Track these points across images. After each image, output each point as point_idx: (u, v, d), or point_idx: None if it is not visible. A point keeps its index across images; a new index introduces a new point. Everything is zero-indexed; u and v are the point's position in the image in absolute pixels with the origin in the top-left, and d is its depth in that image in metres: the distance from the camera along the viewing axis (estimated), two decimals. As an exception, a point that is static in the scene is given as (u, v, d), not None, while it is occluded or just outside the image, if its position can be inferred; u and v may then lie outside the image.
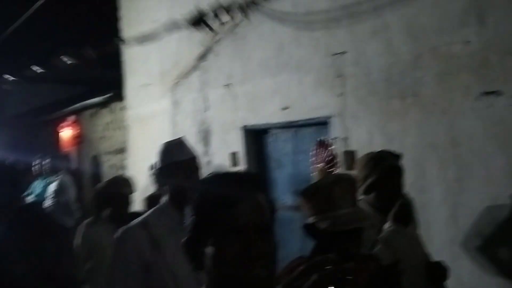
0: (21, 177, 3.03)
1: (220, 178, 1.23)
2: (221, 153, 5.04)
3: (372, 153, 2.55)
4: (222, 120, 5.01)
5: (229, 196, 1.15)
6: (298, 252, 3.23)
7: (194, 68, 5.40)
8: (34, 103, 13.39)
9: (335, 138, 3.89)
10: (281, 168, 4.62)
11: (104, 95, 7.89)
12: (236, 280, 1.11)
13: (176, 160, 2.45)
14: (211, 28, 4.97)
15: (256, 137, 4.75)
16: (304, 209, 1.99)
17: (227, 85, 4.88)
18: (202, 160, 5.09)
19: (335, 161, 3.91)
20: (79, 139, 9.26)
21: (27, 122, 12.78)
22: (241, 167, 4.77)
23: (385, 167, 2.45)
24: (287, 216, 4.25)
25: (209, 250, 1.14)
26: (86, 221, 3.52)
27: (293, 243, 3.83)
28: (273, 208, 1.20)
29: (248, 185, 1.18)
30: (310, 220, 1.91)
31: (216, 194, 1.17)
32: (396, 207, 2.34)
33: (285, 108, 4.30)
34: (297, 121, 4.23)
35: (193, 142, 5.42)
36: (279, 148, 4.64)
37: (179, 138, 2.80)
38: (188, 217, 1.21)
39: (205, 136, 5.29)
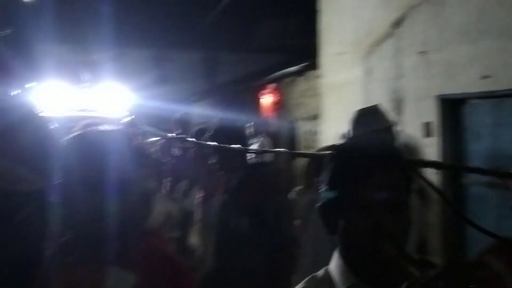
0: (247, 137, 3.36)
1: (358, 148, 1.17)
2: (414, 123, 4.91)
3: None
4: (415, 88, 4.86)
5: (363, 170, 1.09)
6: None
7: (388, 35, 5.29)
8: (240, 72, 14.57)
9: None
10: (479, 142, 4.32)
11: (300, 64, 8.22)
12: (363, 255, 1.09)
13: (369, 129, 2.38)
14: (406, -7, 4.79)
15: (451, 107, 4.50)
16: None
17: (422, 53, 4.69)
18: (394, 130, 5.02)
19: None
20: (278, 105, 9.86)
21: (234, 89, 14.02)
22: (434, 138, 4.59)
23: None
24: (482, 193, 3.99)
25: (341, 220, 1.12)
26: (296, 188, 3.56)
27: (486, 222, 3.60)
28: (411, 183, 1.13)
29: (386, 158, 1.11)
30: None
31: (350, 166, 1.12)
32: None
33: (485, 77, 3.98)
34: (499, 91, 3.89)
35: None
36: (477, 120, 4.33)
37: (375, 105, 2.69)
38: (323, 185, 1.16)
39: (397, 105, 5.19)
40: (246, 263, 2.75)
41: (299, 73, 8.58)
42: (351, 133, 2.42)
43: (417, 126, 4.85)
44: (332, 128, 6.47)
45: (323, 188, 1.17)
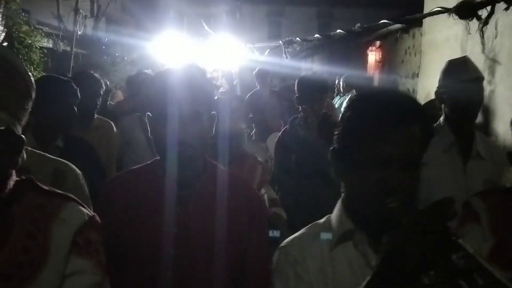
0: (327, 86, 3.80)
1: (377, 100, 1.13)
2: (506, 83, 4.94)
3: None
4: (508, 48, 4.85)
5: (381, 124, 1.07)
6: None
7: (489, -7, 5.25)
8: (350, 27, 14.57)
9: None
10: None
11: (406, 21, 8.21)
12: (365, 205, 1.11)
13: (458, 80, 2.53)
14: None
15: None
16: None
17: (518, 12, 4.66)
18: (485, 88, 5.14)
19: None
20: (382, 62, 9.92)
21: (343, 45, 14.11)
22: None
23: None
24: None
25: (350, 168, 1.12)
26: None
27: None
28: (427, 140, 1.10)
29: (407, 114, 1.07)
30: None
31: (369, 116, 1.09)
32: None
33: None
34: None
35: (480, 70, 5.41)
36: None
37: (464, 57, 2.87)
38: (341, 129, 1.17)
39: (491, 65, 5.21)
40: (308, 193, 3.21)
41: (404, 30, 8.58)
42: (441, 83, 2.64)
43: (508, 85, 4.89)
44: (430, 86, 6.56)
45: (340, 132, 1.16)
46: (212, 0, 16.70)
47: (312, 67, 14.12)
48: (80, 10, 8.96)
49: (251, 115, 5.97)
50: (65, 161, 2.01)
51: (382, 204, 1.04)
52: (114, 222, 1.47)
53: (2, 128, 1.06)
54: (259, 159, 2.79)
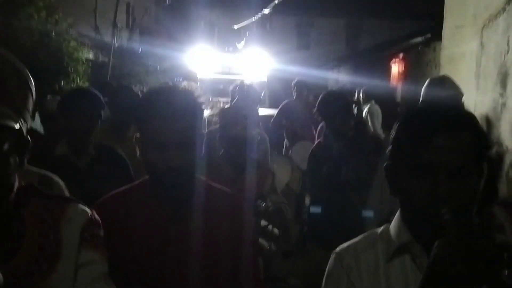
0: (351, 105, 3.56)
1: (425, 111, 1.15)
2: (516, 96, 5.18)
3: None
4: (519, 63, 5.11)
5: (427, 131, 1.07)
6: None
7: (502, 10, 5.52)
8: (376, 40, 14.86)
9: None
10: None
11: (426, 35, 8.50)
12: (419, 216, 1.08)
13: (438, 96, 2.69)
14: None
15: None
16: None
17: (528, 29, 4.93)
18: (497, 101, 5.43)
19: None
20: (405, 75, 10.17)
21: (369, 56, 14.39)
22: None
23: None
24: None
25: (402, 180, 1.11)
26: None
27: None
28: (485, 149, 1.10)
29: (453, 122, 1.07)
30: None
31: (414, 126, 1.10)
32: None
33: None
34: None
35: (493, 84, 5.68)
36: None
37: (443, 75, 3.10)
38: (390, 145, 1.18)
39: (503, 79, 5.47)
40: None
41: (425, 43, 8.85)
42: (422, 99, 2.74)
43: (518, 99, 5.12)
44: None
45: (389, 148, 1.17)
46: (242, 12, 17.14)
47: (338, 78, 14.40)
48: (117, 23, 9.55)
49: (284, 122, 6.22)
50: (49, 173, 2.02)
51: (435, 214, 1.02)
52: (107, 245, 1.39)
53: (15, 126, 1.11)
54: (274, 168, 2.79)
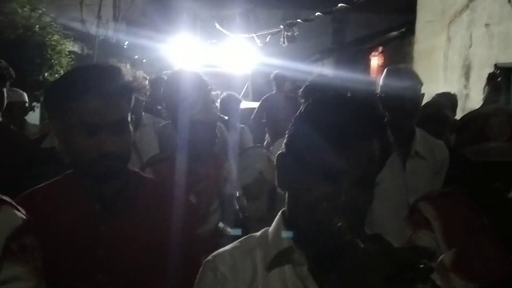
0: None
1: (336, 107, 0.98)
2: (476, 88, 5.51)
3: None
4: (479, 57, 5.43)
5: (333, 134, 0.94)
6: None
7: (466, 7, 5.84)
8: (355, 34, 15.13)
9: None
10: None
11: (401, 29, 8.79)
12: (309, 222, 0.98)
13: (395, 87, 2.78)
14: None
15: (506, 75, 5.05)
16: (457, 141, 1.83)
17: (487, 25, 5.25)
18: (462, 92, 5.75)
19: None
20: (383, 67, 10.46)
21: (351, 50, 14.67)
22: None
23: None
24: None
25: (297, 179, 1.00)
26: None
27: None
28: (387, 154, 1.01)
29: (363, 126, 0.95)
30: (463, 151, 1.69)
31: (319, 125, 0.97)
32: None
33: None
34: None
35: (458, 76, 6.00)
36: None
37: (399, 65, 3.15)
38: (291, 130, 1.04)
39: (467, 71, 5.79)
40: None
41: (401, 38, 9.15)
42: (380, 89, 2.82)
43: (479, 90, 5.46)
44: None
45: (290, 135, 1.04)
46: (225, 3, 17.25)
47: (322, 71, 14.68)
48: (102, 17, 9.72)
49: (264, 120, 6.18)
50: None
51: (329, 222, 0.94)
52: None
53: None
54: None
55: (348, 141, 0.94)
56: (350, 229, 0.92)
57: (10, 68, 2.59)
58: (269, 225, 1.11)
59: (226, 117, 2.58)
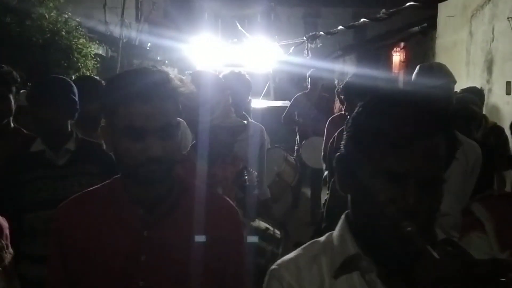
0: None
1: (396, 105, 0.95)
2: (499, 82, 5.47)
3: None
4: (502, 51, 5.39)
5: (394, 134, 0.91)
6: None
7: (488, 1, 5.79)
8: (379, 30, 15.05)
9: None
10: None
11: (423, 24, 8.74)
12: (374, 226, 0.95)
13: (427, 85, 2.68)
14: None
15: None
16: None
17: (509, 19, 5.20)
18: (484, 87, 5.72)
19: None
20: (405, 63, 10.42)
21: (373, 46, 14.60)
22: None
23: None
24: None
25: (359, 181, 0.97)
26: None
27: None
28: (452, 149, 0.97)
29: (423, 124, 0.92)
30: None
31: (380, 126, 0.93)
32: None
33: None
34: None
35: (480, 71, 5.96)
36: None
37: (433, 63, 3.09)
38: (350, 132, 1.01)
39: (489, 66, 5.75)
40: None
41: (422, 33, 9.09)
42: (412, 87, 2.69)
43: (501, 85, 5.42)
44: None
45: (349, 136, 1.00)
46: (246, 2, 17.30)
47: (343, 68, 14.64)
48: (125, 20, 9.92)
49: (296, 117, 5.89)
50: None
51: (397, 227, 0.89)
52: (73, 252, 1.29)
53: None
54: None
55: (410, 141, 0.90)
56: (419, 234, 0.88)
57: (14, 73, 2.53)
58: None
59: (245, 121, 2.48)
